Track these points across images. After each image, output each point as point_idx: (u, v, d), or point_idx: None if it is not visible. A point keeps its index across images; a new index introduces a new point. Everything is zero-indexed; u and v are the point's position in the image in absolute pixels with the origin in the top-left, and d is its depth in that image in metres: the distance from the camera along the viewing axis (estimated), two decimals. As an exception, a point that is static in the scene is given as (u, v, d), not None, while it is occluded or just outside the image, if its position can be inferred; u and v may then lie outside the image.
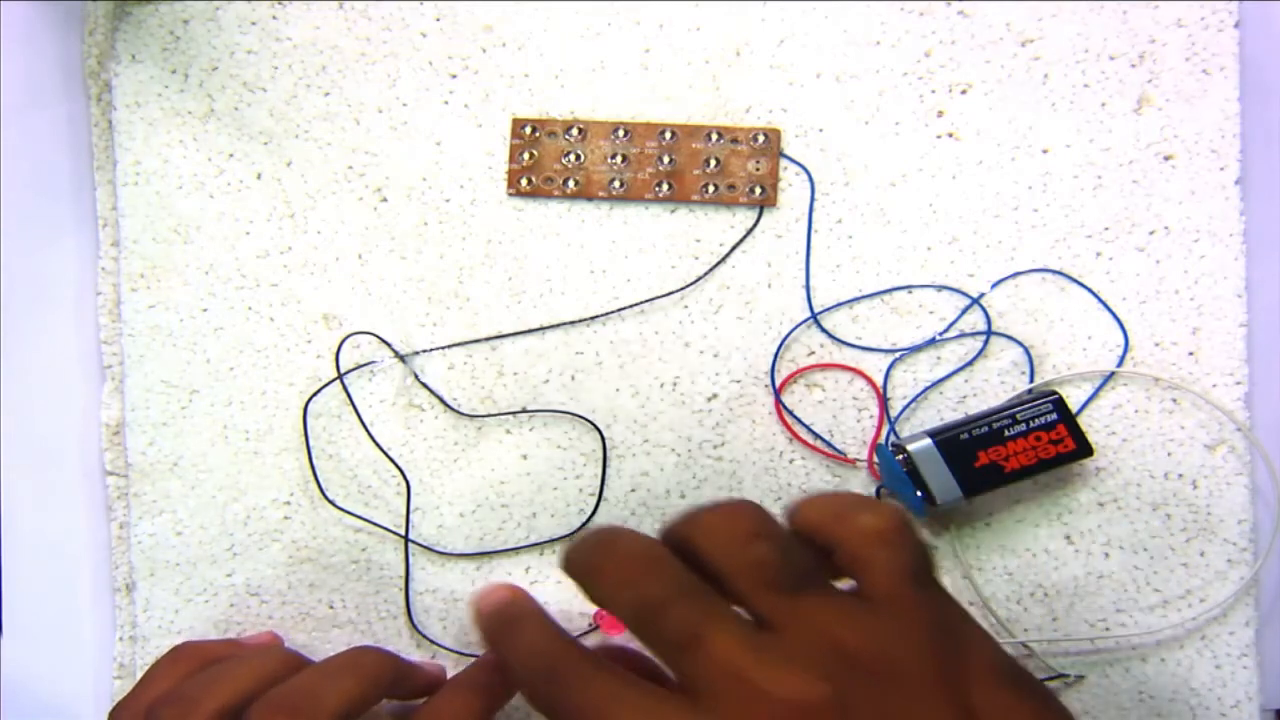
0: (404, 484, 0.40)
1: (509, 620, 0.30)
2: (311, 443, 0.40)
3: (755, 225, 0.40)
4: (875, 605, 0.27)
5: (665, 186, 0.40)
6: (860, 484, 0.39)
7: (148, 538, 0.40)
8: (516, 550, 0.40)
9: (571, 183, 0.40)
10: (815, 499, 0.29)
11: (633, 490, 0.40)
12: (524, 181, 0.40)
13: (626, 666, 0.28)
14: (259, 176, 0.41)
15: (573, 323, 0.40)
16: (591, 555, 0.29)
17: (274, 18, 0.41)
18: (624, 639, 0.39)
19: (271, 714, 0.31)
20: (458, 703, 0.35)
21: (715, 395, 0.40)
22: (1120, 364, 0.39)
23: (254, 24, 0.41)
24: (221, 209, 0.41)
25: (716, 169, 0.40)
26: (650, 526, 0.39)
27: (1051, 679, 0.38)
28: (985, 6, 0.40)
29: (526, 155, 0.40)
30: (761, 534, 0.28)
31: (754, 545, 0.27)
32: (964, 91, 0.40)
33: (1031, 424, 0.37)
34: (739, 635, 0.26)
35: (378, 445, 0.40)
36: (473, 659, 0.38)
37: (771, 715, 0.25)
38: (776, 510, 0.29)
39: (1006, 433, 0.37)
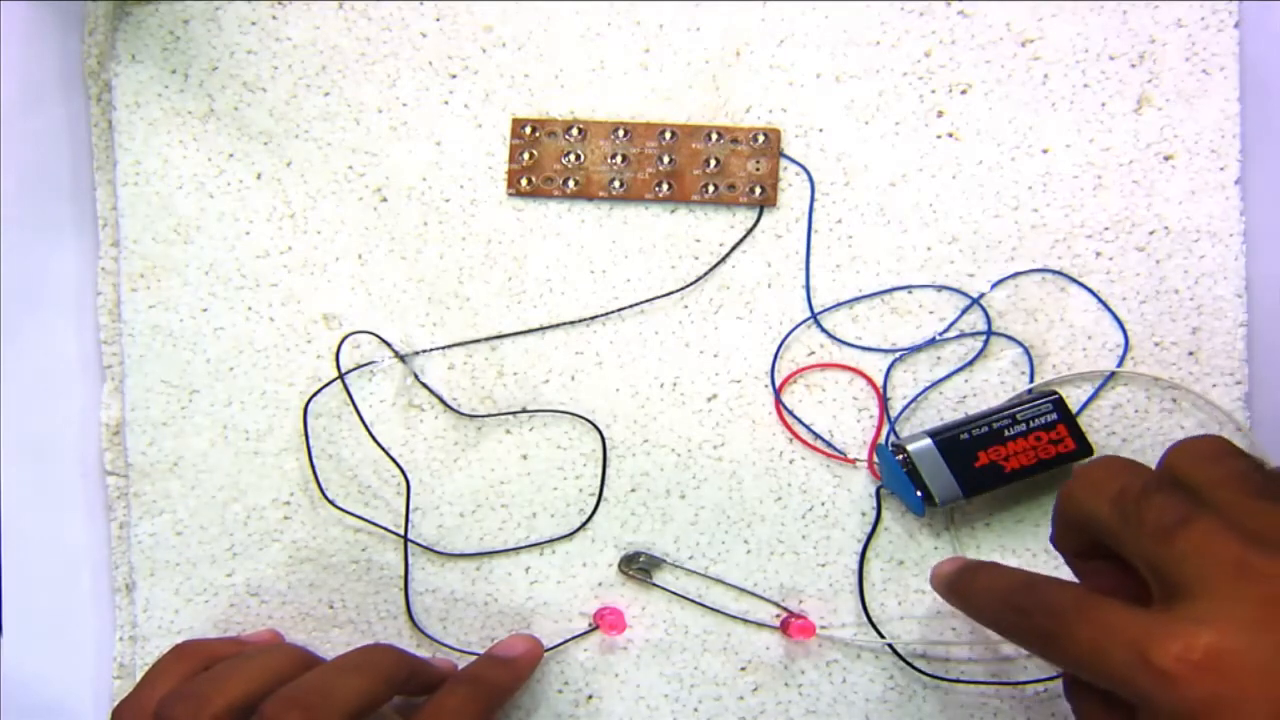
0: (404, 484, 0.40)
1: (973, 568, 0.32)
2: (311, 443, 0.40)
3: (755, 225, 0.40)
4: None
5: (665, 186, 0.40)
6: (860, 484, 0.39)
7: (148, 538, 0.40)
8: (516, 550, 0.40)
9: (571, 183, 0.40)
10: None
11: (633, 490, 0.40)
12: (524, 181, 0.40)
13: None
14: (259, 176, 0.41)
15: (573, 323, 0.40)
16: (1073, 476, 0.29)
17: (274, 18, 0.41)
18: (623, 639, 0.39)
19: (284, 710, 0.31)
20: (461, 697, 0.35)
21: (715, 395, 0.40)
22: (1120, 364, 0.39)
23: (254, 24, 0.41)
24: (221, 209, 0.41)
25: (716, 169, 0.40)
26: (650, 526, 0.40)
27: (1052, 678, 0.38)
28: (985, 6, 0.40)
29: (526, 155, 0.40)
30: (1235, 453, 0.27)
31: (1229, 460, 0.27)
32: (964, 91, 0.40)
33: (1031, 424, 0.37)
34: (1227, 526, 0.25)
35: (379, 444, 0.40)
36: (475, 657, 0.38)
37: (1272, 599, 0.24)
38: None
39: (1006, 433, 0.37)
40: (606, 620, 0.39)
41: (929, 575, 0.35)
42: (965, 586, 0.32)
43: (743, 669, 0.39)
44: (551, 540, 0.40)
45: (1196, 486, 0.27)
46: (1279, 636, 0.24)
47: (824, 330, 0.40)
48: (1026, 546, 0.39)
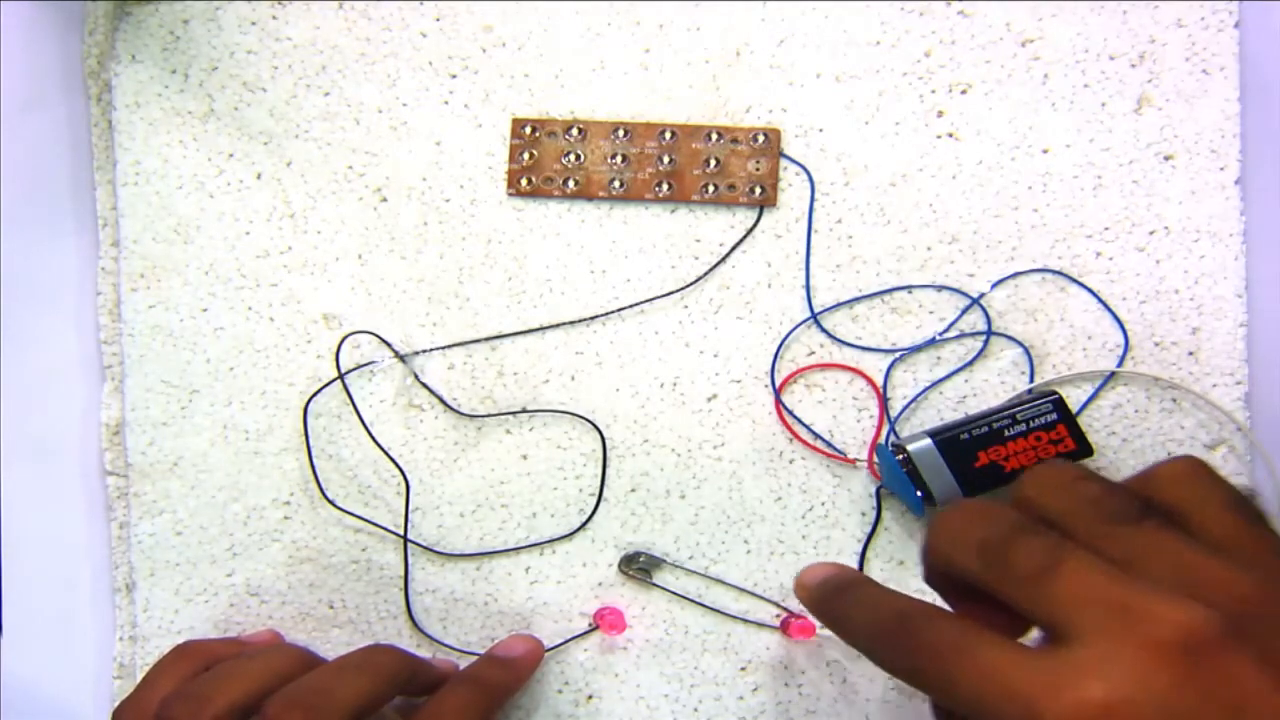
0: (404, 484, 0.40)
1: (843, 586, 0.30)
2: (311, 443, 0.40)
3: (755, 225, 0.40)
4: (1218, 541, 0.25)
5: (665, 186, 0.40)
6: (860, 484, 0.39)
7: (148, 538, 0.40)
8: (516, 550, 0.40)
9: (571, 183, 0.40)
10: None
11: (633, 490, 0.40)
12: (524, 181, 0.40)
13: None
14: (259, 176, 0.41)
15: (573, 323, 0.40)
16: (931, 525, 0.28)
17: (274, 18, 0.41)
18: (623, 639, 0.39)
19: (285, 710, 0.31)
20: (461, 697, 0.35)
21: (715, 395, 0.40)
22: (1120, 364, 0.39)
23: (254, 24, 0.41)
24: (221, 209, 0.41)
25: (716, 169, 0.40)
26: (650, 526, 0.40)
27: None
28: (985, 6, 0.40)
29: (526, 155, 0.40)
30: (1087, 476, 0.27)
31: (1083, 484, 0.27)
32: (964, 91, 0.40)
33: (1031, 424, 0.37)
34: (1096, 561, 0.24)
35: (378, 445, 0.40)
36: (475, 657, 0.39)
37: (1156, 644, 0.23)
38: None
39: (1006, 433, 0.37)
40: (606, 620, 0.39)
41: (794, 583, 0.33)
42: (837, 609, 0.30)
43: (743, 669, 0.39)
44: (551, 540, 0.40)
45: (1053, 518, 0.26)
46: (1166, 682, 0.23)
47: (824, 330, 0.40)
48: (1026, 546, 0.39)
